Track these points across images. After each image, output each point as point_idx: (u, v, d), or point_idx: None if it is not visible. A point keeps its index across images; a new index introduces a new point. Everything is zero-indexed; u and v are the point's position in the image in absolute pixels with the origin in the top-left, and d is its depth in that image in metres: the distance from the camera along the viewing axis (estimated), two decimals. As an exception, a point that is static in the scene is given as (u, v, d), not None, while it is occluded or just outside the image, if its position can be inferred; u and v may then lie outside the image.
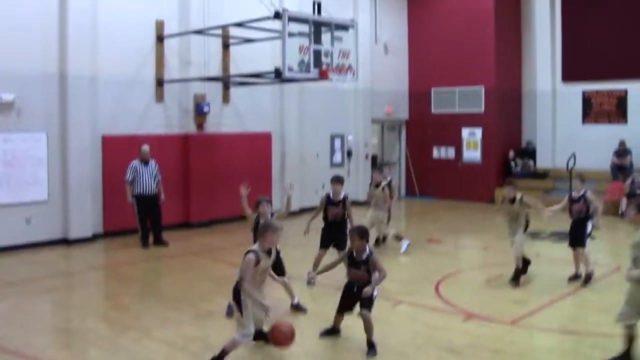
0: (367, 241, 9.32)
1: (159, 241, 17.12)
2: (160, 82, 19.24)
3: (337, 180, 13.25)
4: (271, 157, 22.22)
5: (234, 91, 20.98)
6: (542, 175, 25.51)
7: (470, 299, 11.87)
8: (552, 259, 14.91)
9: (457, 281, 13.40)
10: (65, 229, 17.33)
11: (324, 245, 13.02)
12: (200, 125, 19.96)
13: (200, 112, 19.77)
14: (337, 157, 24.92)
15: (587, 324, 10.49)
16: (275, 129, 22.45)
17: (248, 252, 8.35)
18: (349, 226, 12.51)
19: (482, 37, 25.53)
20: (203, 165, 19.85)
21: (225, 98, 20.86)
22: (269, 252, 8.54)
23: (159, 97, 19.31)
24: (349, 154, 25.27)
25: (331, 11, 17.04)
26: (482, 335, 9.83)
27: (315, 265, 12.82)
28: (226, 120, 20.82)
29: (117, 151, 17.84)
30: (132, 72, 18.63)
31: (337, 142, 24.95)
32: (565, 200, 13.49)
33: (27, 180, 16.69)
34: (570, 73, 25.41)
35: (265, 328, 8.68)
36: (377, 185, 16.20)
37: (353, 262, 9.30)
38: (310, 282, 12.75)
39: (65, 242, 17.22)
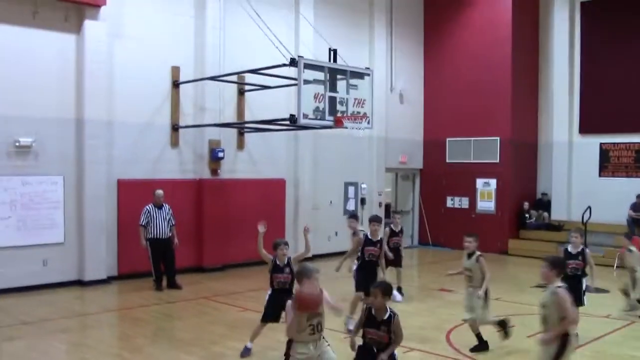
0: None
1: (172, 285, 17.18)
2: (175, 128, 19.38)
3: (376, 220, 13.68)
4: (285, 203, 22.24)
5: (249, 137, 21.11)
6: (557, 227, 25.35)
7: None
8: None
9: (469, 331, 13.27)
10: (80, 270, 17.45)
11: (362, 287, 12.79)
12: (214, 171, 20.06)
13: (214, 158, 19.87)
14: (351, 205, 24.92)
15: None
16: (289, 176, 22.53)
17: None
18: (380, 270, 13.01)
19: (499, 87, 25.62)
20: (217, 210, 19.89)
21: (240, 144, 20.98)
22: None
23: (174, 142, 19.44)
24: (363, 201, 25.27)
25: (347, 59, 17.16)
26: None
27: (353, 308, 12.82)
28: (240, 166, 20.94)
29: (132, 195, 17.99)
30: (147, 117, 18.82)
31: (351, 190, 24.97)
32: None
33: (43, 223, 16.86)
34: (588, 125, 25.39)
35: None
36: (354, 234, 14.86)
37: (372, 322, 8.19)
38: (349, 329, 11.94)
39: (80, 283, 17.35)
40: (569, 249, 12.70)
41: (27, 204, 16.60)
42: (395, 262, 16.66)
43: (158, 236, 16.96)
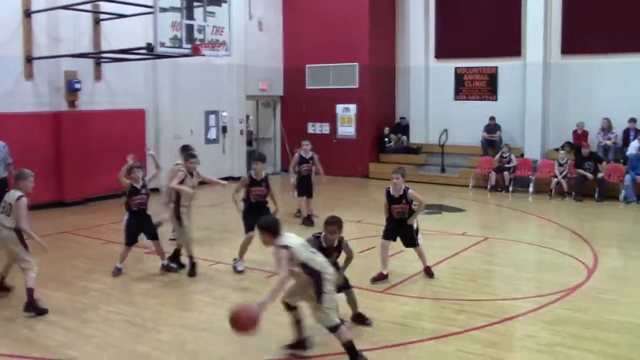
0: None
1: None
2: (28, 59, 18.78)
3: (259, 159, 12.77)
4: (145, 134, 22.06)
5: (106, 68, 20.70)
6: (415, 150, 26.07)
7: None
8: (424, 231, 15.19)
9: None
10: None
11: (251, 228, 11.90)
12: (72, 103, 19.62)
13: (71, 90, 19.43)
14: (212, 133, 24.89)
15: (455, 290, 10.94)
16: (149, 106, 22.29)
17: None
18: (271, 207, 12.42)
19: (357, 13, 25.85)
20: (76, 143, 19.53)
21: (97, 75, 20.55)
22: None
23: (28, 74, 18.87)
24: (224, 130, 25.24)
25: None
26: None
27: (243, 250, 12.29)
28: (99, 97, 20.55)
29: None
30: (-1, 48, 18.15)
31: (212, 119, 24.91)
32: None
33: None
34: (443, 50, 26.05)
35: None
36: None
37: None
38: (239, 270, 12.22)
39: None
40: (391, 191, 11.54)
41: None
42: (306, 191, 16.97)
43: None
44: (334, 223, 8.88)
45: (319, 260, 7.92)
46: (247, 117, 28.28)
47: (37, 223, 16.96)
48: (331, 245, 8.86)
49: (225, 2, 17.05)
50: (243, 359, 8.28)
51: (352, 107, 26.49)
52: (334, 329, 7.75)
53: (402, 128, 26.97)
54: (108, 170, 18.48)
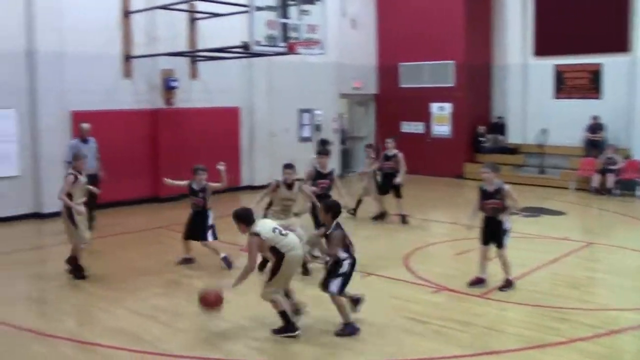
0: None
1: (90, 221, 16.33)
2: (127, 58, 19.08)
3: (325, 153, 13.72)
4: (239, 131, 22.20)
5: (202, 66, 20.87)
6: (513, 150, 25.51)
7: (440, 272, 11.90)
8: (522, 234, 14.88)
9: (426, 255, 13.43)
10: (37, 203, 17.37)
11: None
12: (168, 101, 19.86)
13: (168, 88, 19.69)
14: (306, 132, 24.86)
15: (556, 297, 10.55)
16: (244, 104, 22.39)
17: None
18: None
19: (451, 10, 25.42)
20: (172, 140, 19.77)
21: (193, 73, 20.74)
22: None
23: (127, 73, 19.18)
24: (318, 128, 25.20)
25: (299, -16, 16.92)
26: (451, 308, 9.88)
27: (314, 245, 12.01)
28: (194, 95, 20.73)
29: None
30: (99, 48, 18.45)
31: (306, 117, 24.89)
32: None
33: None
34: (543, 46, 25.29)
35: None
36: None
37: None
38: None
39: (38, 216, 17.27)
40: (484, 187, 11.12)
41: (-21, 137, 16.41)
42: (385, 189, 16.92)
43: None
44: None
45: (287, 242, 8.77)
46: (341, 115, 28.19)
47: (133, 218, 17.42)
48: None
49: (321, 0, 16.99)
50: None
51: (447, 106, 26.11)
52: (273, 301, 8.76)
53: (499, 127, 26.43)
54: (206, 165, 18.67)
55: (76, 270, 11.74)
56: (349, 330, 8.84)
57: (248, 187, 21.69)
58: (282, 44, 15.87)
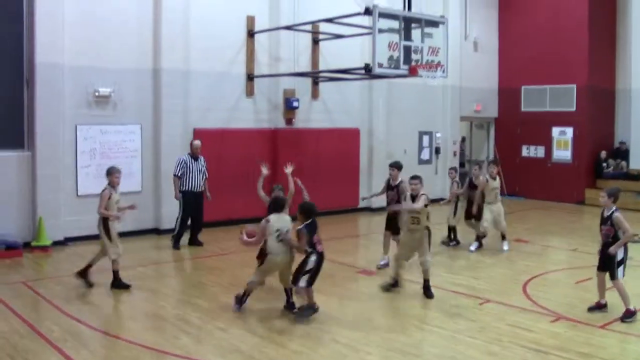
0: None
1: (194, 241, 16.52)
2: (250, 77, 19.47)
3: (395, 166, 14.18)
4: (359, 152, 22.28)
5: (323, 87, 21.10)
6: (635, 177, 24.85)
7: (559, 300, 11.69)
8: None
9: (546, 282, 13.21)
10: (157, 219, 17.83)
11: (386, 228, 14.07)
12: (289, 120, 20.15)
13: (289, 107, 19.95)
14: (425, 154, 24.82)
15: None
16: (364, 125, 22.51)
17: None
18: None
19: (575, 33, 25.05)
20: (292, 160, 19.92)
21: (314, 93, 21.01)
22: None
23: (249, 91, 19.54)
24: (437, 151, 25.13)
25: (421, 7, 17.00)
26: (570, 338, 9.67)
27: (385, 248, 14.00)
28: (315, 115, 20.99)
29: (207, 144, 17.84)
30: (223, 67, 18.94)
31: (426, 139, 24.85)
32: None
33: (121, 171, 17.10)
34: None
35: None
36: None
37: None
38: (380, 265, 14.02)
39: (157, 232, 17.72)
40: (603, 211, 10.82)
41: (106, 152, 16.97)
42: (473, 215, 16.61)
43: (192, 189, 16.10)
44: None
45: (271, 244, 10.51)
46: (463, 138, 28.08)
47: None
48: None
49: (443, 23, 16.97)
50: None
51: (569, 130, 25.68)
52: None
53: (622, 153, 25.85)
54: (323, 186, 18.95)
55: (82, 277, 12.35)
56: (309, 311, 10.29)
57: (366, 209, 21.65)
58: (404, 67, 15.87)
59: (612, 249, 10.51)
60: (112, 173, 12.42)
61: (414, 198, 12.00)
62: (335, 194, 20.42)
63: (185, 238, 16.41)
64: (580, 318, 10.54)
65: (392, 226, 13.77)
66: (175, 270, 14.78)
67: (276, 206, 10.91)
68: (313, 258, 10.27)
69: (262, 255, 11.19)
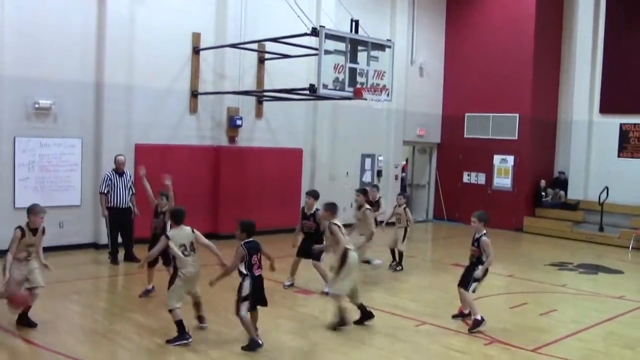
0: None
1: (129, 257, 16.19)
2: (194, 94, 19.41)
3: (311, 195, 14.23)
4: (301, 173, 22.29)
5: (267, 106, 21.12)
6: (573, 206, 25.23)
7: (493, 324, 11.76)
8: (578, 290, 14.76)
9: (481, 306, 13.28)
10: (96, 234, 17.60)
11: (299, 253, 14.14)
12: (232, 139, 20.11)
13: (232, 126, 19.92)
14: (367, 177, 24.91)
15: (608, 357, 10.41)
16: (307, 146, 22.55)
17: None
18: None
19: (520, 64, 25.44)
20: (233, 178, 19.95)
21: (258, 112, 21.00)
22: None
23: (193, 108, 19.48)
24: (379, 174, 25.24)
25: (368, 30, 17.07)
26: (502, 361, 9.78)
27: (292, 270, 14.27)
28: (258, 134, 20.97)
29: (149, 160, 17.64)
30: (167, 83, 18.86)
31: (368, 162, 24.95)
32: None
33: (60, 185, 17.00)
34: (609, 105, 25.14)
35: None
36: (359, 207, 15.40)
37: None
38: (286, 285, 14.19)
39: (95, 246, 17.53)
40: (476, 235, 11.87)
41: (45, 166, 16.76)
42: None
43: (118, 205, 15.92)
44: None
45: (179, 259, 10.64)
46: (407, 160, 28.27)
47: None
48: None
49: (390, 47, 17.11)
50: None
51: (510, 159, 26.01)
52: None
53: (560, 183, 26.23)
54: (264, 205, 18.99)
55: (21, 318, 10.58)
56: (254, 345, 9.80)
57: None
58: (349, 89, 15.96)
59: (477, 273, 11.55)
60: (35, 213, 10.52)
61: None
62: (277, 213, 20.33)
63: (122, 253, 16.21)
64: (512, 342, 10.67)
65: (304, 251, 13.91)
66: (112, 285, 14.60)
67: (177, 219, 10.65)
68: (247, 282, 9.94)
69: (152, 266, 12.38)
